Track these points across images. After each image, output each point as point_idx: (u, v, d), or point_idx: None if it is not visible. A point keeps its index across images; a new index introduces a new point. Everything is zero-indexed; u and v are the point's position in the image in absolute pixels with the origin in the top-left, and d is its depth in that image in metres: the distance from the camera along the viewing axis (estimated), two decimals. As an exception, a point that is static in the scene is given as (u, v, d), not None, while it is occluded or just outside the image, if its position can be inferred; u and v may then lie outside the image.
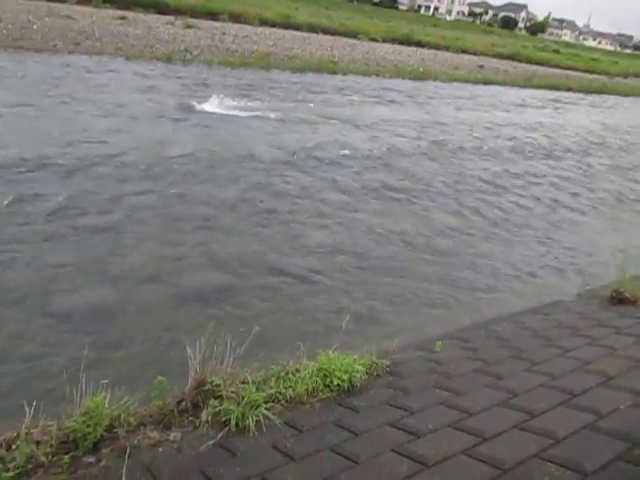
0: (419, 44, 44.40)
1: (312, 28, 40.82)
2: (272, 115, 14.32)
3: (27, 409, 2.49)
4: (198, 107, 14.01)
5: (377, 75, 26.35)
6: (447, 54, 42.22)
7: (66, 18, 26.05)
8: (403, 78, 26.83)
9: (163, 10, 34.94)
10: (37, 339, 4.26)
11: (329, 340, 3.74)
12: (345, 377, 3.15)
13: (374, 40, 41.75)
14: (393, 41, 43.38)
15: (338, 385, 3.13)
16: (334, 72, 25.13)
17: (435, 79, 28.54)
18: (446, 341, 4.09)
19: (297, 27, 40.13)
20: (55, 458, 2.30)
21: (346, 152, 11.73)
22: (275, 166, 9.99)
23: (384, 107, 18.69)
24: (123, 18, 28.89)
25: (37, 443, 2.37)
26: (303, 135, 12.75)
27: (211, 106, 14.22)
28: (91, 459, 2.35)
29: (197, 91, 15.92)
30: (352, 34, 42.04)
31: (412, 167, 11.51)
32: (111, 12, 30.89)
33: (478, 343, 4.15)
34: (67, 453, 2.33)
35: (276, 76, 21.75)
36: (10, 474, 2.14)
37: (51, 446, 2.36)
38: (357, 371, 3.25)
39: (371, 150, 12.29)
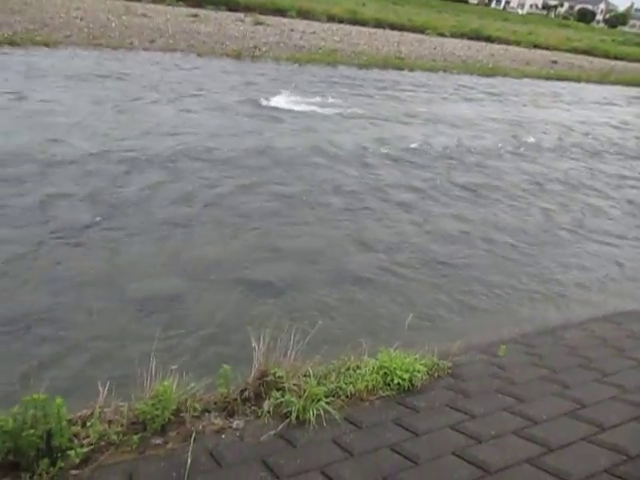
0: (489, 39, 43.16)
1: (379, 24, 40.52)
2: (338, 111, 14.34)
3: (101, 389, 2.61)
4: (265, 103, 14.22)
5: (444, 71, 25.84)
6: (518, 49, 40.83)
7: (142, 16, 27.04)
8: (471, 74, 26.18)
9: (233, 7, 35.63)
10: (113, 323, 4.48)
11: (391, 338, 3.71)
12: (406, 376, 3.13)
13: (442, 35, 40.97)
14: (462, 36, 42.41)
15: (398, 384, 3.11)
16: (400, 68, 24.84)
17: (505, 75, 27.68)
18: (510, 346, 3.98)
19: (364, 23, 39.92)
20: (125, 437, 2.40)
21: (417, 147, 11.62)
22: (340, 162, 10.00)
23: (461, 104, 18.30)
24: (195, 16, 29.68)
25: (109, 422, 2.48)
26: (368, 131, 12.70)
27: (278, 102, 14.40)
28: (158, 441, 2.44)
29: (265, 87, 16.15)
30: (420, 29, 41.38)
31: (500, 166, 11.22)
32: (184, 10, 31.81)
33: (544, 350, 4.01)
34: (136, 433, 2.43)
35: (342, 72, 21.73)
36: (84, 450, 2.25)
37: (122, 426, 2.47)
38: (418, 371, 3.21)
39: (447, 147, 12.06)
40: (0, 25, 19.47)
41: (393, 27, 40.69)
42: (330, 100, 15.59)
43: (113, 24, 23.28)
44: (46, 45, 18.05)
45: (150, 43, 20.91)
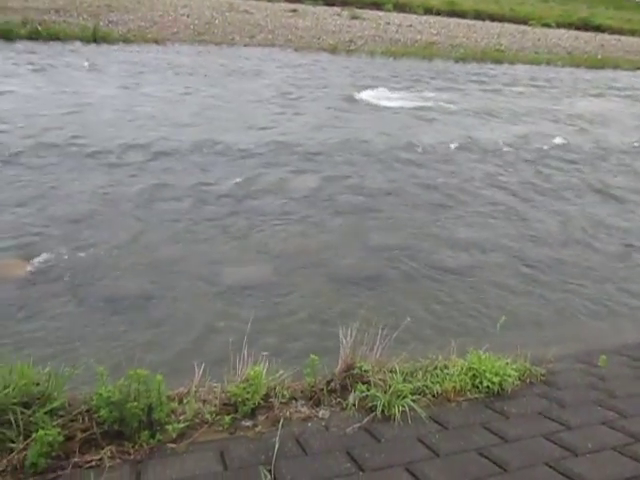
0: (598, 29, 40.50)
1: (478, 15, 39.21)
2: (431, 105, 14.06)
3: (197, 369, 2.75)
4: (358, 97, 14.23)
5: (548, 64, 24.57)
6: (633, 39, 37.99)
7: (244, 12, 27.90)
8: (578, 66, 24.71)
9: (331, 1, 35.88)
10: (208, 308, 4.69)
11: (480, 340, 3.61)
12: (496, 380, 3.02)
13: (547, 26, 38.97)
14: (569, 26, 40.12)
15: (488, 387, 3.01)
16: (499, 61, 23.91)
17: (615, 67, 25.88)
18: (612, 356, 3.73)
19: (462, 14, 38.80)
20: (218, 417, 2.51)
21: (523, 146, 11.16)
22: (430, 158, 9.81)
23: (576, 98, 17.35)
24: (294, 11, 30.19)
25: (203, 402, 2.60)
26: (465, 128, 12.34)
27: (371, 96, 14.35)
28: (248, 423, 2.52)
29: (359, 81, 16.15)
30: (522, 20, 39.62)
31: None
32: (283, 5, 32.48)
33: (650, 362, 3.72)
34: (228, 414, 2.53)
35: (438, 66, 21.28)
36: (180, 425, 2.37)
37: (215, 406, 2.58)
38: (509, 375, 3.09)
39: (559, 145, 11.48)
40: (116, 23, 20.84)
41: (493, 18, 39.23)
42: (424, 94, 15.32)
43: (217, 21, 24.20)
44: (156, 42, 19.10)
45: (250, 39, 21.55)
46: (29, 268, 5.06)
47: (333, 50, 21.28)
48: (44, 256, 5.27)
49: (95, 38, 18.32)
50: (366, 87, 14.96)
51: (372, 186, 8.08)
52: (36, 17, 19.24)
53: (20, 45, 16.65)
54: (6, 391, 2.18)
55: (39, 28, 17.90)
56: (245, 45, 20.43)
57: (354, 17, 30.95)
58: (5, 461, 2.05)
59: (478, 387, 3.02)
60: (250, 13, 28.02)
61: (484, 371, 3.06)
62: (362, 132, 10.94)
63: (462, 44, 26.01)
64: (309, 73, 16.75)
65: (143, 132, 9.53)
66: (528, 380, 3.22)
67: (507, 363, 3.18)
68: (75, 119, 9.99)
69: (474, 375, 3.06)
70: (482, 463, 2.32)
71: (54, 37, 17.89)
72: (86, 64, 14.92)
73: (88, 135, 9.08)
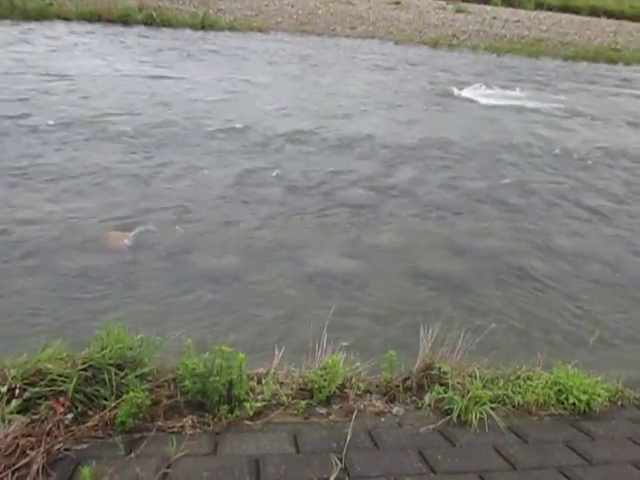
0: None
1: (593, 11, 36.91)
2: (534, 106, 13.44)
3: (276, 352, 2.81)
4: (457, 93, 13.89)
5: (670, 65, 22.71)
6: None
7: (347, 4, 27.96)
8: None
9: (434, -6, 35.11)
10: (293, 294, 4.79)
11: (569, 355, 3.42)
12: (583, 398, 2.86)
13: (671, 25, 35.95)
14: (697, 26, 36.76)
15: (574, 404, 2.86)
16: (614, 61, 22.41)
17: None
18: None
19: (576, 10, 36.68)
20: (294, 401, 2.55)
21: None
22: (531, 162, 9.39)
23: None
24: (397, 3, 29.87)
25: (281, 384, 2.66)
26: (571, 131, 11.69)
27: (470, 93, 13.96)
28: (323, 410, 2.55)
29: (459, 77, 15.73)
30: (644, 18, 36.84)
31: None
32: (387, -3, 32.17)
33: None
34: (304, 399, 2.57)
35: (544, 64, 20.27)
36: (257, 404, 2.44)
37: (292, 389, 2.63)
38: (598, 395, 2.91)
39: None
40: (224, 11, 21.58)
41: (610, 15, 36.77)
42: (527, 93, 14.67)
43: (320, 11, 24.44)
44: (260, 30, 19.60)
45: (351, 30, 21.58)
46: (129, 241, 5.39)
47: (434, 44, 20.84)
48: (142, 229, 5.60)
49: (203, 25, 19.08)
50: (465, 84, 14.54)
51: (467, 186, 7.86)
52: (151, 4, 20.31)
53: (153, 31, 17.55)
54: (103, 352, 2.34)
55: (154, 14, 18.90)
56: (346, 36, 20.47)
57: (459, 10, 30.13)
58: (98, 417, 2.20)
59: (563, 403, 2.87)
60: (353, 4, 28.03)
61: (571, 387, 2.90)
62: (458, 130, 10.66)
63: (573, 42, 24.60)
64: (406, 67, 16.52)
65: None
66: (619, 402, 3.02)
67: (597, 381, 3.00)
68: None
69: (560, 390, 2.91)
70: (562, 483, 2.21)
71: (166, 23, 18.82)
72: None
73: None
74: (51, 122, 8.43)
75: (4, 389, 2.10)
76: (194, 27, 18.98)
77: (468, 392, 2.71)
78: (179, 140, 8.38)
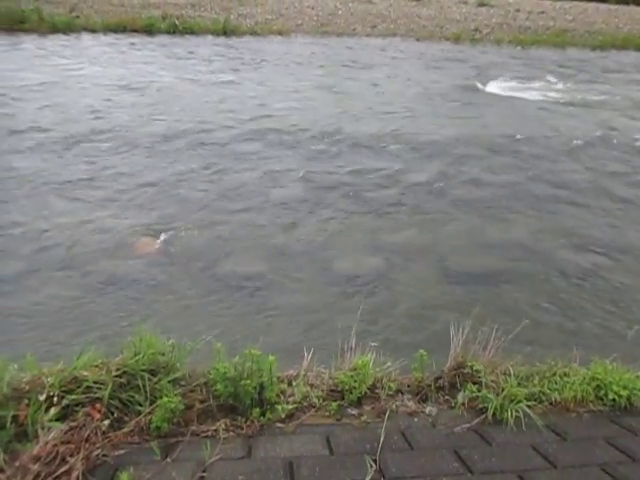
0: None
1: (622, -2, 36.03)
2: (561, 97, 13.19)
3: (306, 354, 2.81)
4: (481, 87, 13.74)
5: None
6: None
7: (367, 3, 27.90)
8: None
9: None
10: (319, 295, 4.79)
11: (606, 349, 3.33)
12: (623, 393, 2.78)
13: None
14: None
15: (614, 400, 2.78)
16: (644, 48, 21.82)
17: None
18: None
19: (603, -2, 35.85)
20: (325, 402, 2.55)
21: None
22: (561, 153, 9.22)
23: None
24: (417, 0, 29.64)
25: (311, 386, 2.66)
26: (600, 123, 11.41)
27: (495, 87, 13.80)
28: (354, 412, 2.54)
29: (483, 71, 15.55)
30: (674, 2, 35.82)
31: None
32: (407, -6, 31.99)
33: None
34: (335, 401, 2.56)
35: (571, 55, 19.87)
36: (289, 407, 2.44)
37: (322, 391, 2.62)
38: (639, 390, 2.84)
39: None
40: (245, 16, 21.76)
41: (639, 2, 35.84)
42: (555, 86, 14.40)
43: (340, 11, 24.44)
44: (280, 34, 19.70)
45: (372, 29, 21.52)
46: (161, 246, 5.47)
47: (457, 39, 20.63)
48: (173, 234, 5.68)
49: (225, 31, 19.28)
50: (490, 78, 14.37)
51: (493, 180, 7.76)
52: (174, 12, 20.60)
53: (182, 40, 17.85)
54: (136, 358, 2.38)
55: (177, 22, 19.18)
56: (367, 35, 20.41)
57: (481, 4, 29.78)
58: (133, 422, 2.24)
59: (602, 399, 2.80)
60: (373, 3, 27.95)
61: (610, 382, 2.83)
62: (484, 125, 10.54)
63: (600, 31, 24.05)
64: (428, 63, 16.39)
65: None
66: (662, 397, 2.93)
67: (638, 376, 2.92)
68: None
69: (598, 386, 2.84)
70: (605, 481, 2.15)
71: (189, 31, 19.07)
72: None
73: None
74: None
75: (43, 397, 2.14)
76: (216, 33, 19.18)
77: (502, 390, 2.67)
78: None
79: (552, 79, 15.10)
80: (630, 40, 22.47)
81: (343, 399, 2.61)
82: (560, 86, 14.38)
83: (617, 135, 10.39)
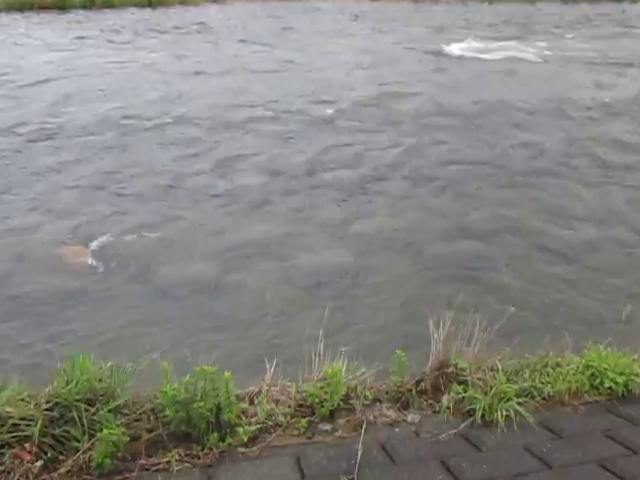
0: None
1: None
2: (533, 56, 13.52)
3: (268, 367, 2.80)
4: (447, 50, 13.94)
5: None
6: None
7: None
8: None
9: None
10: (280, 297, 4.78)
11: (601, 333, 3.44)
12: (620, 380, 2.88)
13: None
14: None
15: (610, 388, 2.87)
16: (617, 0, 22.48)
17: None
18: None
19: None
20: (293, 420, 2.54)
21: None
22: (539, 119, 9.44)
23: None
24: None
25: (276, 402, 2.65)
26: (576, 82, 11.72)
27: (463, 49, 14.03)
28: (327, 427, 2.55)
29: (448, 32, 15.75)
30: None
31: None
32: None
33: None
34: (304, 417, 2.56)
35: (542, 9, 20.31)
36: (252, 428, 2.43)
37: (289, 407, 2.62)
38: (637, 375, 2.93)
39: None
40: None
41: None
42: (525, 44, 14.72)
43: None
44: (215, 1, 19.49)
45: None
46: (90, 255, 5.36)
47: (416, -1, 20.85)
48: (106, 240, 5.58)
49: (151, 2, 18.96)
50: (456, 39, 14.57)
51: (468, 154, 7.89)
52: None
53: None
54: (69, 387, 2.32)
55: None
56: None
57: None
58: (71, 461, 2.19)
59: (598, 388, 2.89)
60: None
61: (605, 369, 2.92)
62: (453, 92, 10.69)
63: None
64: (389, 25, 16.50)
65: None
66: (661, 381, 3.04)
67: (634, 360, 3.02)
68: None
69: (593, 374, 2.93)
70: (605, 477, 2.22)
71: (108, 4, 18.68)
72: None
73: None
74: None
75: (-40, 443, 2.08)
76: (140, 5, 18.85)
77: (491, 388, 2.72)
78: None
79: (523, 37, 15.41)
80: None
81: (313, 414, 2.62)
82: (532, 44, 14.70)
83: (591, 97, 10.68)
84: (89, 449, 2.20)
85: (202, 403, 2.35)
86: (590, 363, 2.97)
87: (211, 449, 2.31)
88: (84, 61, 12.67)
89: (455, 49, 14.01)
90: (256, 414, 2.54)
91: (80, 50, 13.67)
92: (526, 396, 2.78)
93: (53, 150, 7.92)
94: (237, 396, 2.57)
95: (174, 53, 13.30)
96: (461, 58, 13.32)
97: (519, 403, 2.66)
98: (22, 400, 2.30)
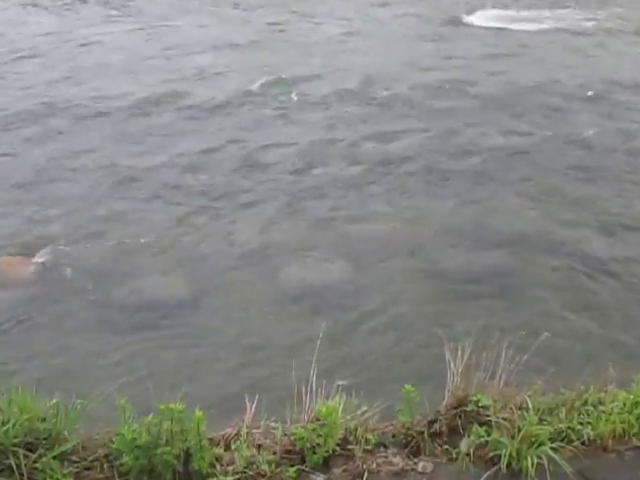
0: None
1: None
2: (567, 26, 13.65)
3: (248, 405, 2.80)
4: (466, 19, 14.15)
5: None
6: None
7: None
8: None
9: None
10: (263, 320, 4.79)
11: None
12: (676, 421, 2.90)
13: None
14: None
15: (664, 431, 2.90)
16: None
17: None
18: None
19: None
20: (278, 469, 2.54)
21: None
22: (577, 103, 9.53)
23: None
24: None
25: (258, 447, 2.65)
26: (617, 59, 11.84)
27: (481, 18, 14.25)
28: (320, 478, 2.55)
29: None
30: None
31: None
32: None
33: None
34: (292, 465, 2.56)
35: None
36: (229, 479, 2.42)
37: (274, 453, 2.61)
38: (696, 415, 2.96)
39: None
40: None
41: None
42: (529, 13, 14.92)
43: None
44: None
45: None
46: (37, 267, 5.36)
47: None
48: (53, 248, 5.58)
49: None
50: (478, 6, 14.72)
51: (489, 144, 7.95)
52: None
53: None
54: (5, 428, 2.31)
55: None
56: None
57: None
58: (7, 520, 2.18)
59: (649, 431, 2.91)
60: None
61: (658, 408, 2.94)
62: (470, 69, 10.82)
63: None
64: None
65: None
66: None
67: (694, 397, 3.05)
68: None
69: (643, 413, 2.95)
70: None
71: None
72: None
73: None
74: None
75: None
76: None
77: (519, 430, 2.73)
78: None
79: (544, 5, 15.58)
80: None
81: (304, 462, 2.62)
82: (565, 12, 14.86)
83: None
84: (29, 505, 2.20)
85: (168, 448, 2.34)
86: (639, 400, 2.99)
87: (178, 505, 2.31)
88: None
89: (476, 18, 14.19)
90: (233, 462, 2.53)
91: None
92: (562, 440, 2.78)
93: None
94: (210, 440, 2.56)
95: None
96: (483, 28, 13.49)
97: (553, 448, 2.67)
98: (-54, 447, 2.30)
